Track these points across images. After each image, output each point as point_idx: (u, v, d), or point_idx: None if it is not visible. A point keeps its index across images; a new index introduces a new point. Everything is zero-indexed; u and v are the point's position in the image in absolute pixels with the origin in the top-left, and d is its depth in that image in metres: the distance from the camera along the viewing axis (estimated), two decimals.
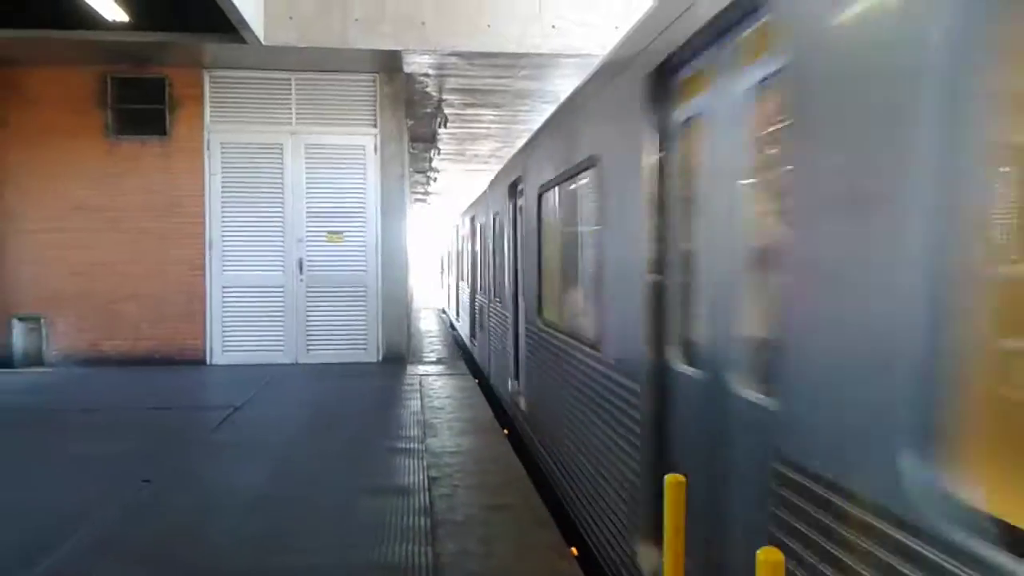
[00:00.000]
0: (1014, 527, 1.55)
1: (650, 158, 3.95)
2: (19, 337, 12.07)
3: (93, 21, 9.92)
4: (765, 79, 2.88)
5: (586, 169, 5.32)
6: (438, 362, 13.53)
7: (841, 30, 2.25)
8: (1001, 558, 1.54)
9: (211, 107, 12.27)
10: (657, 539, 3.52)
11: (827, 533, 2.17)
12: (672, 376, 3.73)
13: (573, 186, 6.03)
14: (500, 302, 10.38)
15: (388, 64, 11.95)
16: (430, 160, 20.57)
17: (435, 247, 42.41)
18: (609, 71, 4.80)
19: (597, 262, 5.00)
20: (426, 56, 11.53)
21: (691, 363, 3.55)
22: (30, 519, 5.28)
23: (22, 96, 12.03)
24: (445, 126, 15.13)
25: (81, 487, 6.04)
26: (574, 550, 5.20)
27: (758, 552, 2.08)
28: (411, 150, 18.51)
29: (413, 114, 14.80)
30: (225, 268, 12.27)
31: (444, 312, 28.91)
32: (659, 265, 3.90)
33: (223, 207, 12.24)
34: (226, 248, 12.27)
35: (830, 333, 2.25)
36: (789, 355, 2.49)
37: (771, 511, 2.52)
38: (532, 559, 4.70)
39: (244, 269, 12.30)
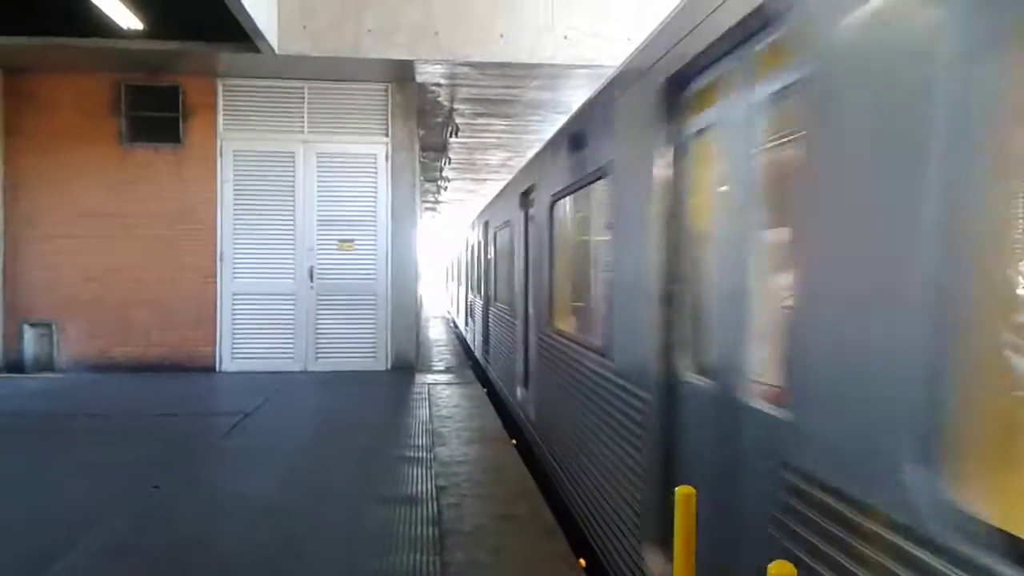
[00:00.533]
0: (1017, 538, 1.55)
1: (662, 169, 3.96)
2: (30, 343, 12.13)
3: (108, 29, 10.00)
4: (778, 92, 2.90)
5: (599, 179, 5.33)
6: (446, 371, 13.52)
7: (855, 46, 2.25)
8: (1005, 569, 1.54)
9: (224, 115, 12.33)
10: (666, 548, 3.55)
11: (838, 543, 2.17)
12: (683, 386, 3.73)
13: (586, 195, 6.04)
14: (510, 310, 10.34)
15: (400, 74, 11.99)
16: (441, 169, 20.61)
17: (445, 255, 42.41)
18: (622, 81, 4.80)
19: (609, 271, 5.01)
20: (438, 66, 11.56)
21: (704, 374, 3.53)
22: (38, 526, 5.30)
23: (36, 103, 12.12)
24: (456, 135, 15.15)
25: (90, 494, 6.05)
26: (582, 561, 5.18)
27: (770, 567, 2.06)
28: (422, 159, 18.55)
29: (424, 123, 14.84)
30: (236, 275, 12.31)
31: (453, 321, 28.89)
32: (671, 275, 3.90)
33: (235, 215, 12.29)
34: (237, 256, 12.31)
35: (841, 346, 2.25)
36: (802, 367, 2.49)
37: (781, 521, 2.53)
38: (540, 569, 4.69)
39: (255, 277, 12.34)
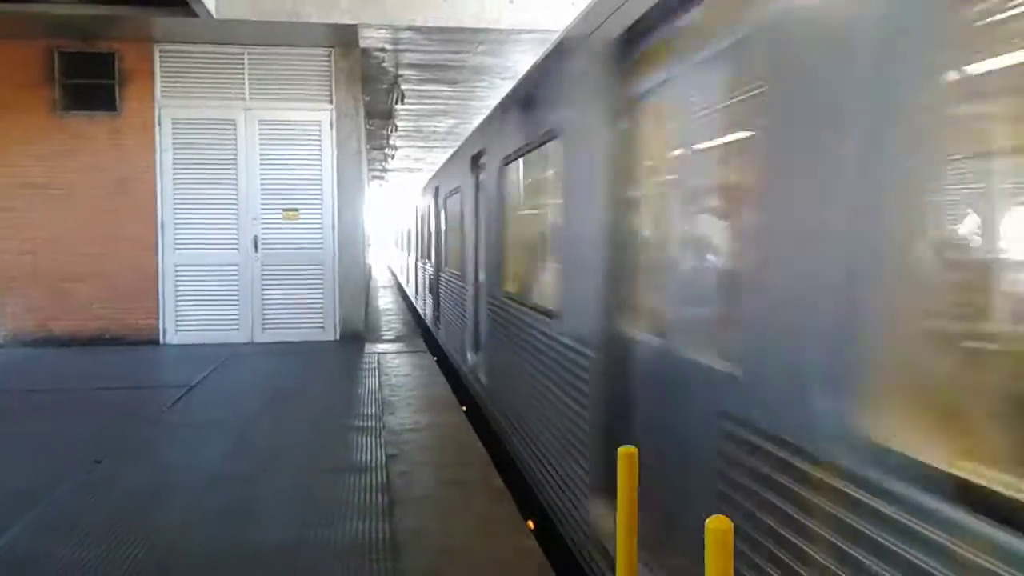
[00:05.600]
0: (926, 464, 1.76)
1: (609, 131, 3.95)
2: None
3: None
4: (718, 54, 2.94)
5: (548, 141, 5.32)
6: (396, 340, 13.46)
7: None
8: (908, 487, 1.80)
9: (162, 82, 12.00)
10: (611, 498, 3.65)
11: (775, 487, 2.34)
12: (629, 344, 3.82)
13: (536, 158, 6.01)
14: (460, 276, 10.31)
15: (343, 38, 11.78)
16: (387, 137, 20.38)
17: (395, 224, 42.09)
18: (571, 41, 4.75)
19: (558, 234, 5.03)
20: (382, 31, 11.38)
21: (650, 332, 3.61)
22: None
23: None
24: (402, 102, 14.97)
25: (29, 469, 5.92)
26: (531, 523, 5.22)
27: (708, 520, 2.10)
28: (368, 126, 18.31)
29: (369, 90, 14.63)
30: (178, 246, 12.06)
31: (403, 289, 28.74)
32: (618, 236, 3.94)
33: (175, 184, 12.01)
34: (178, 226, 12.05)
35: (775, 307, 2.40)
36: (742, 325, 2.63)
37: (723, 467, 2.68)
38: (490, 533, 4.72)
39: (197, 247, 12.10)
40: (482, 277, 8.50)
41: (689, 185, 3.25)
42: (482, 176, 8.50)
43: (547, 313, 5.25)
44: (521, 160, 6.47)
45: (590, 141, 4.19)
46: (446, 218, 12.66)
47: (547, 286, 5.50)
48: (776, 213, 2.40)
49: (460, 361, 10.49)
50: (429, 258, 15.65)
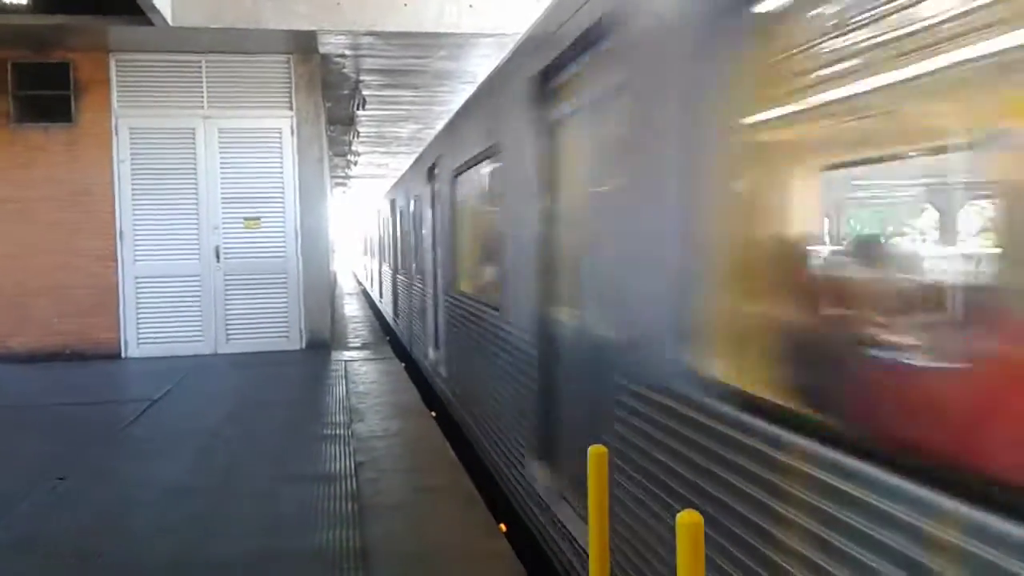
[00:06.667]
0: (742, 390, 2.51)
1: (536, 149, 4.72)
2: None
3: None
4: (602, 94, 3.74)
5: (490, 156, 6.08)
6: (363, 347, 13.38)
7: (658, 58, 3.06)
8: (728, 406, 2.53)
9: (119, 92, 11.83)
10: (544, 459, 4.71)
11: (644, 417, 3.16)
12: (556, 326, 4.60)
13: (481, 171, 6.77)
14: (421, 279, 10.90)
15: (303, 45, 11.70)
16: (350, 143, 20.25)
17: (360, 230, 41.86)
18: (506, 70, 5.65)
19: (501, 238, 5.73)
20: (342, 36, 11.32)
21: (571, 316, 4.43)
22: None
23: None
24: (363, 108, 14.88)
25: None
26: (503, 526, 5.21)
27: (679, 515, 2.11)
28: (329, 133, 18.20)
29: (330, 96, 14.55)
30: (138, 258, 11.88)
31: (369, 295, 28.61)
32: (545, 239, 4.65)
33: (134, 195, 11.83)
34: (138, 237, 11.87)
35: (635, 287, 3.26)
36: (618, 301, 3.44)
37: (618, 413, 3.41)
38: (461, 537, 4.70)
39: (158, 259, 11.92)
40: (440, 278, 9.18)
41: (587, 197, 4.08)
42: (436, 186, 9.40)
43: (493, 307, 6.03)
44: (470, 171, 7.22)
45: (519, 158, 5.07)
46: (406, 225, 13.28)
47: (491, 284, 6.36)
48: (625, 215, 3.33)
49: (423, 357, 11.01)
50: (392, 264, 15.96)
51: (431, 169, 9.68)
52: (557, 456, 4.57)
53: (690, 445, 2.75)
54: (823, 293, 2.47)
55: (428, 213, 9.98)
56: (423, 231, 10.37)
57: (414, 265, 11.91)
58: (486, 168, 6.42)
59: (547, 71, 4.48)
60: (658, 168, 3.02)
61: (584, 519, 3.76)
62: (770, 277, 2.59)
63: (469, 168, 7.14)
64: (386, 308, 18.59)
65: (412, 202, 12.04)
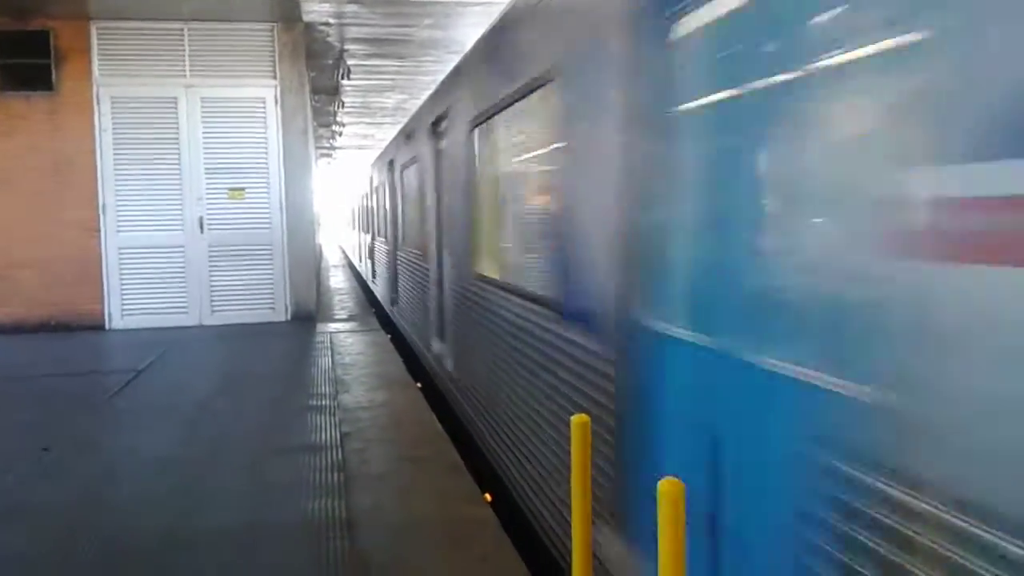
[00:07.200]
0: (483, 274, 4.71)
1: (431, 164, 8.29)
2: None
3: None
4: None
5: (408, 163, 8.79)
6: (349, 319, 13.36)
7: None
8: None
9: (100, 60, 11.68)
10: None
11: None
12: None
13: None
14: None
15: (286, 13, 11.55)
16: (335, 114, 20.09)
17: (347, 201, 41.54)
18: (419, 113, 9.28)
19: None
20: (326, 4, 11.18)
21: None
22: None
23: None
24: (348, 77, 14.75)
25: None
26: (488, 495, 5.23)
27: (660, 483, 2.11)
28: (314, 103, 18.03)
29: (315, 65, 14.40)
30: (121, 229, 11.79)
31: (355, 268, 28.44)
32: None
33: (116, 165, 11.72)
34: (121, 208, 11.78)
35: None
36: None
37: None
38: (446, 506, 4.72)
39: (141, 229, 11.84)
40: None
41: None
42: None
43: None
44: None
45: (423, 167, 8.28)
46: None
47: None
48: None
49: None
50: (385, 236, 14.67)
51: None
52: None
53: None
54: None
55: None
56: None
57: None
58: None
59: (435, 121, 8.01)
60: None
61: None
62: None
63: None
64: (378, 289, 17.10)
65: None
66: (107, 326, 11.80)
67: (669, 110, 2.87)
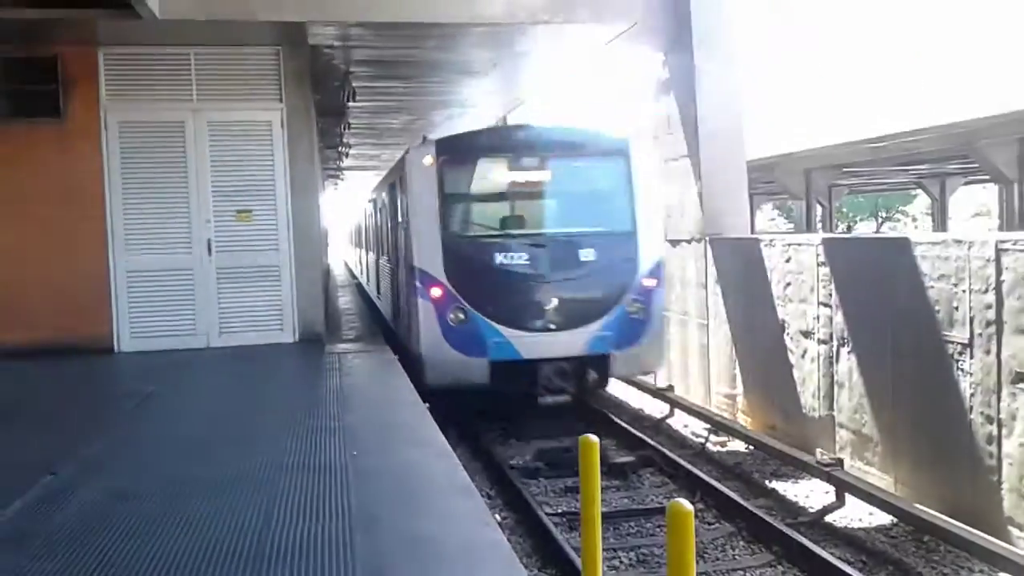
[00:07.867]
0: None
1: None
2: None
3: None
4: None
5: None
6: (356, 339, 13.39)
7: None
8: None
9: (107, 86, 11.77)
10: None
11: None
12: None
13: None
14: (380, 256, 17.63)
15: (291, 36, 11.66)
16: (341, 135, 20.21)
17: (353, 221, 41.70)
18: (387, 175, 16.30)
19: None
20: (331, 27, 11.29)
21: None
22: None
23: None
24: (354, 99, 14.86)
25: None
26: (498, 516, 5.23)
27: (669, 504, 2.12)
28: (320, 125, 18.16)
29: (320, 88, 14.51)
30: (129, 252, 11.85)
31: (363, 289, 28.49)
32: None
33: (124, 189, 11.79)
34: (129, 232, 11.84)
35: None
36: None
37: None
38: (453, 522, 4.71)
39: (150, 252, 11.89)
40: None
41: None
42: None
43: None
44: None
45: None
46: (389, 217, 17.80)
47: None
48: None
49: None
50: (382, 251, 17.04)
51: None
52: None
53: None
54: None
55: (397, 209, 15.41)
56: (396, 223, 14.83)
57: (389, 252, 16.99)
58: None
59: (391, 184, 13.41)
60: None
61: None
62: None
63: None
64: (383, 308, 18.58)
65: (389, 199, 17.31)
66: (116, 349, 11.83)
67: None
